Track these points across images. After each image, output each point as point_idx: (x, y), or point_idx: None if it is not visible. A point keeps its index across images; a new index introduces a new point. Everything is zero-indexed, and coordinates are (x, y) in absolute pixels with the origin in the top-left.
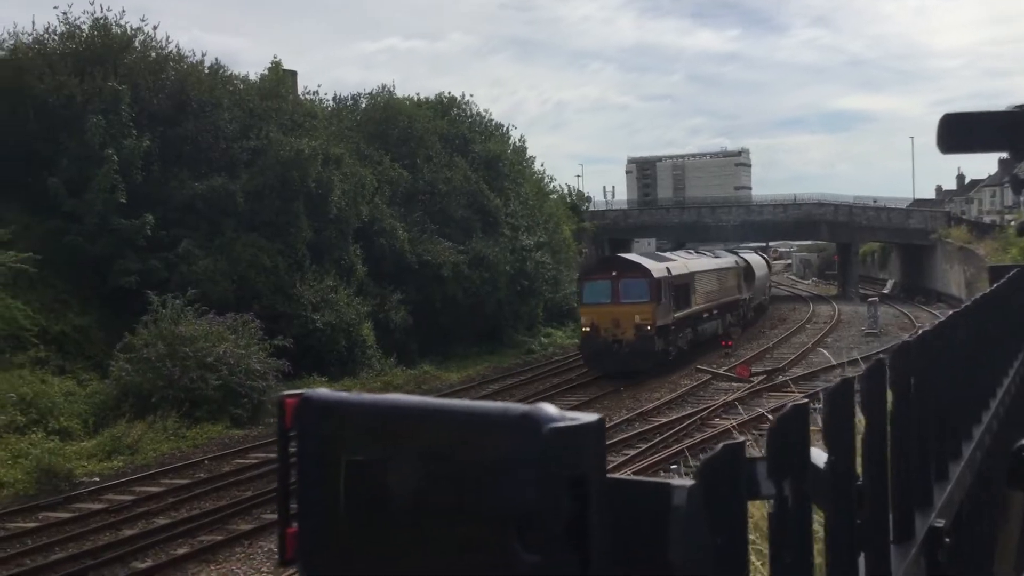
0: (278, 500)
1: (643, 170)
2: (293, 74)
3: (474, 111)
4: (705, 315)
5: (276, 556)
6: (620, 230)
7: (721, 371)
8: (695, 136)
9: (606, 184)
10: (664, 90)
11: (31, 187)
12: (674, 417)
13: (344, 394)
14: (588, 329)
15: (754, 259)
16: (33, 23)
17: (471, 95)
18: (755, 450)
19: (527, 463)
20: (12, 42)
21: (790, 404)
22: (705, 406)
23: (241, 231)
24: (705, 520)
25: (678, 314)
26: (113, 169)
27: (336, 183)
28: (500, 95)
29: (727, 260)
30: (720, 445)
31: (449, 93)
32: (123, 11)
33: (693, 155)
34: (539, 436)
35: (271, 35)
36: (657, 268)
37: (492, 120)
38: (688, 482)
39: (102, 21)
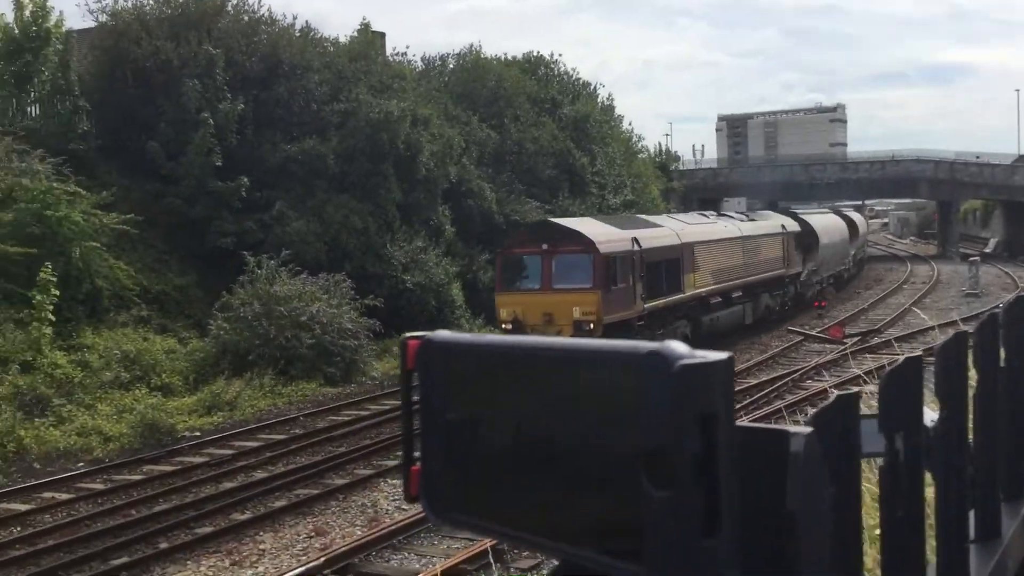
0: (403, 440)
1: (734, 128)
2: (382, 35)
3: (561, 70)
4: (716, 300)
5: (370, 510)
6: (709, 189)
7: (813, 332)
8: (788, 92)
9: (695, 143)
10: (756, 45)
11: (131, 150)
12: (764, 379)
13: (467, 335)
14: (509, 327)
15: (825, 221)
16: None
17: (559, 55)
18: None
19: (656, 400)
20: (112, 7)
21: (903, 356)
22: (797, 368)
23: (332, 193)
24: (821, 469)
25: (656, 302)
26: (209, 132)
27: (424, 144)
28: (586, 54)
29: (764, 225)
30: (834, 395)
31: (537, 52)
32: None
33: (786, 111)
34: (669, 373)
35: None
36: (609, 238)
37: (580, 79)
38: (806, 429)
39: None
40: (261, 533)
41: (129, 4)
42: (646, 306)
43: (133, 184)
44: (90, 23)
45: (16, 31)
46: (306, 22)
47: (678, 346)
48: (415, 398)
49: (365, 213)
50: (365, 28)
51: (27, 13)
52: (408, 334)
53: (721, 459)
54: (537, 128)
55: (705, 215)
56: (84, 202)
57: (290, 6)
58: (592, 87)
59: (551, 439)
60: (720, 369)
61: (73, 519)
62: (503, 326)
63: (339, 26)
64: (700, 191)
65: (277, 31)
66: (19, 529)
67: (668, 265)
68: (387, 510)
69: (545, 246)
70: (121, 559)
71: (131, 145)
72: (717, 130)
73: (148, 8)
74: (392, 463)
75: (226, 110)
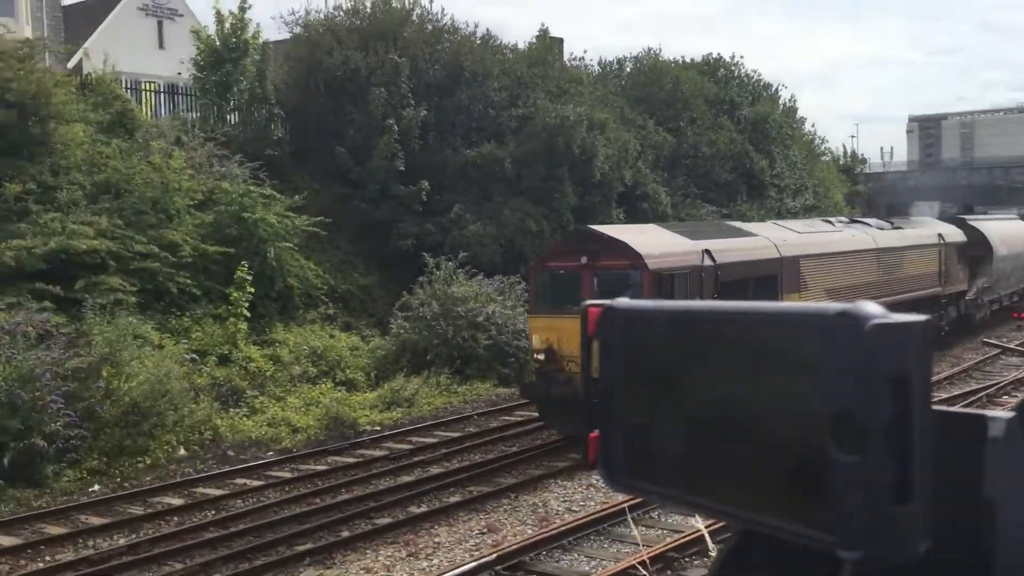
0: (581, 406)
1: (926, 129)
2: (559, 41)
3: (742, 72)
4: None
5: (540, 510)
6: (898, 193)
7: (1011, 345)
8: (988, 91)
9: (883, 145)
10: (952, 41)
11: (322, 155)
12: (957, 393)
13: (649, 302)
14: (541, 357)
15: (1006, 229)
16: (325, 2)
17: (741, 57)
18: None
19: (846, 362)
20: (305, 20)
21: None
22: (992, 382)
23: (508, 196)
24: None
25: None
26: (393, 138)
27: (600, 148)
28: (768, 54)
29: (912, 234)
30: None
31: (717, 54)
32: None
33: (984, 111)
34: (860, 333)
35: (539, 2)
36: (665, 250)
37: (760, 80)
38: (1007, 414)
39: None
40: (436, 527)
41: (322, 16)
42: None
43: (323, 188)
44: (285, 35)
45: (218, 43)
46: (487, 30)
47: (870, 306)
48: (595, 365)
49: (540, 216)
50: (543, 34)
51: (227, 26)
52: (589, 302)
53: (915, 423)
54: (714, 131)
55: (830, 222)
56: (278, 205)
57: (472, 14)
58: (773, 88)
59: (736, 405)
60: (915, 331)
61: (262, 505)
62: (534, 356)
63: (518, 33)
64: (887, 195)
65: (459, 39)
66: (213, 513)
67: (758, 284)
68: (557, 511)
69: (585, 259)
70: (305, 545)
71: (321, 150)
72: (908, 131)
73: (339, 20)
74: (563, 465)
75: (409, 117)
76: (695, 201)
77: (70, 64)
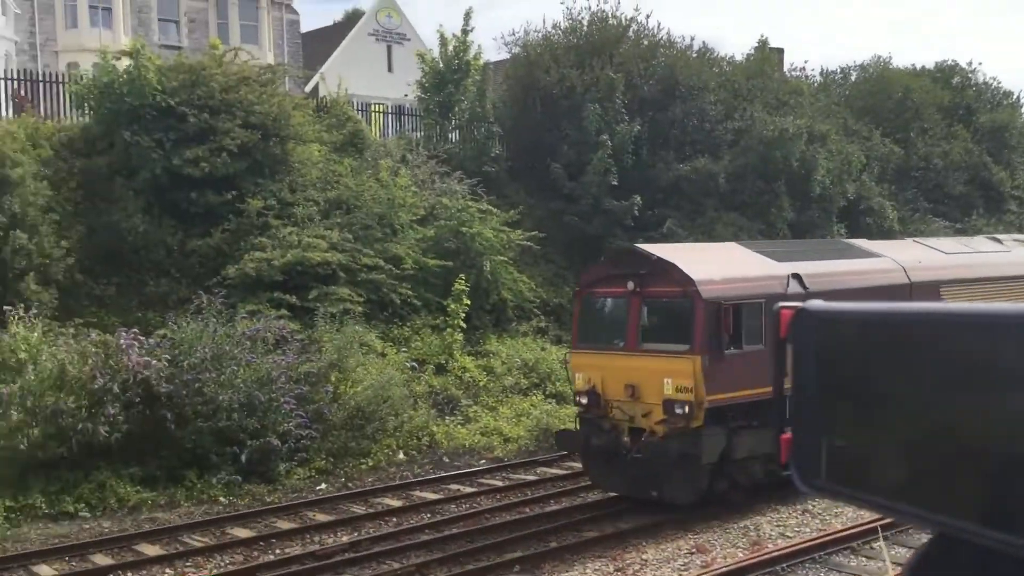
0: (774, 408)
1: None
2: (779, 51)
3: (979, 79)
4: None
5: (752, 533)
6: None
7: None
8: None
9: None
10: None
11: (537, 171)
12: None
13: (845, 304)
14: (584, 401)
15: None
16: (544, 21)
17: (979, 63)
18: None
19: None
20: (524, 40)
21: None
22: None
23: (722, 211)
24: None
25: None
26: (607, 154)
27: (820, 161)
28: (1010, 52)
29: None
30: None
31: (952, 60)
32: (619, 3)
33: None
34: None
35: (757, 13)
36: (730, 274)
37: (1000, 87)
38: None
39: (600, 14)
40: (644, 543)
41: (540, 36)
42: None
43: (537, 203)
44: (504, 55)
45: (441, 65)
46: (703, 43)
47: None
48: (787, 368)
49: (755, 231)
50: (762, 45)
51: (451, 49)
52: (781, 304)
53: None
54: (947, 141)
55: (997, 239)
56: (495, 219)
57: (687, 27)
58: (1015, 95)
59: (940, 409)
60: None
61: (475, 511)
62: (576, 399)
63: (736, 44)
64: None
65: (674, 53)
66: (429, 516)
67: None
68: (770, 535)
69: (632, 285)
70: (515, 553)
71: (536, 166)
72: None
73: (556, 39)
74: (777, 491)
75: (623, 131)
76: (924, 215)
77: (307, 88)
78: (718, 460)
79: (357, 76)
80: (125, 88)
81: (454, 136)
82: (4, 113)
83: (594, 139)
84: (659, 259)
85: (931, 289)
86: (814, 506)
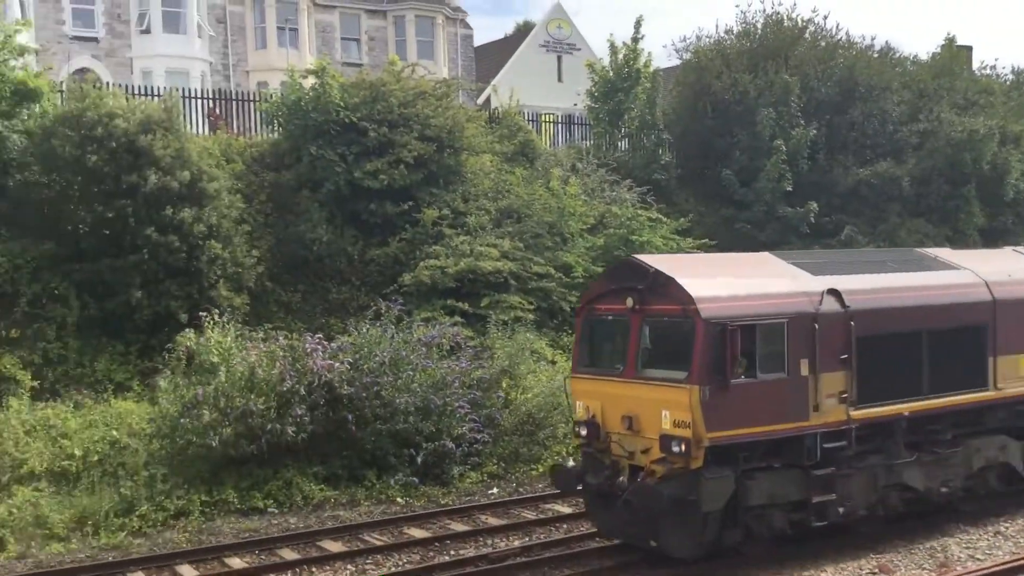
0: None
1: None
2: (968, 49)
3: None
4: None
5: (939, 554)
6: None
7: None
8: None
9: None
10: None
11: (707, 178)
12: None
13: None
14: (584, 432)
15: None
16: (716, 26)
17: None
18: None
19: None
20: (695, 46)
21: None
22: None
23: (906, 216)
24: None
25: (895, 406)
26: (781, 159)
27: (1014, 163)
28: None
29: None
30: None
31: None
32: (794, 4)
33: None
34: None
35: (943, 11)
36: (739, 291)
37: None
38: None
39: (775, 17)
40: (821, 560)
41: (712, 41)
42: (856, 414)
43: (707, 210)
44: (675, 62)
45: (611, 73)
46: (885, 42)
47: None
48: None
49: (941, 238)
50: (949, 43)
51: (620, 57)
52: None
53: None
54: None
55: None
56: (664, 228)
57: (867, 26)
58: None
59: None
60: None
61: None
62: (575, 429)
63: (921, 43)
64: None
65: (854, 54)
66: None
67: (942, 338)
68: (959, 557)
69: (630, 301)
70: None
71: (707, 173)
72: None
73: (729, 43)
74: (966, 508)
75: (798, 136)
76: None
77: (480, 100)
78: (725, 507)
79: (528, 87)
80: (311, 105)
81: (623, 144)
82: (201, 130)
83: (768, 144)
84: (657, 272)
85: (1016, 307)
86: (1007, 527)
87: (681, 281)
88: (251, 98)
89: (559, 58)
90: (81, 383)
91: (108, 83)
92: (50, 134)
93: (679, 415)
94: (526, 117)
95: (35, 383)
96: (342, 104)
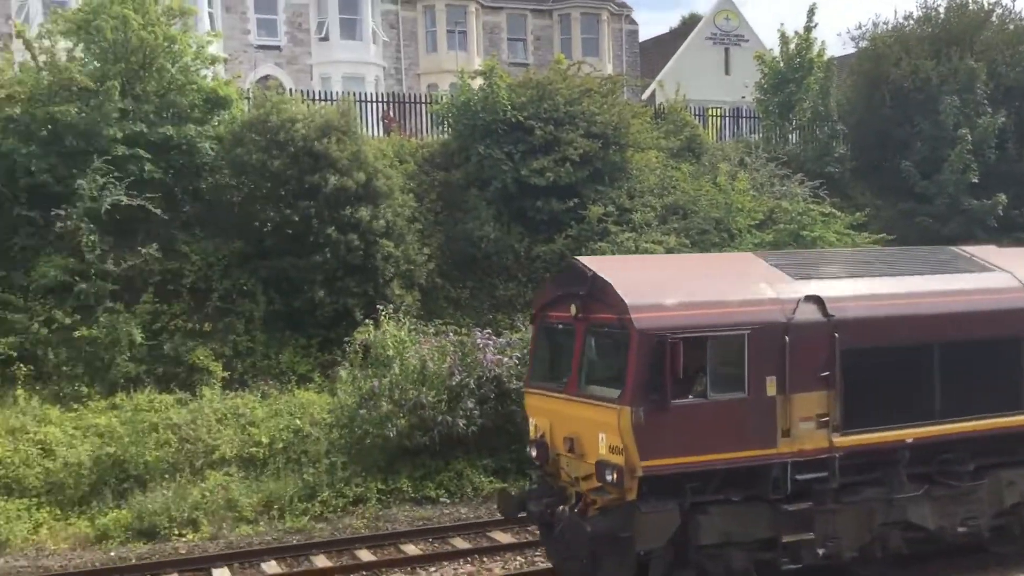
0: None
1: None
2: None
3: None
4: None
5: None
6: None
7: None
8: None
9: None
10: None
11: (884, 171)
12: None
13: None
14: (534, 453)
15: None
16: (895, 12)
17: None
18: None
19: None
20: (872, 33)
21: None
22: None
23: None
24: None
25: (895, 431)
26: (966, 149)
27: None
28: None
29: None
30: None
31: None
32: None
33: None
34: None
35: None
36: (684, 298)
37: None
38: None
39: (958, 1)
40: None
41: (890, 27)
42: (841, 440)
43: (885, 204)
44: (849, 50)
45: (781, 64)
46: None
47: None
48: None
49: None
50: None
51: (792, 47)
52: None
53: None
54: None
55: None
56: (838, 223)
57: None
58: None
59: None
60: None
61: None
62: (528, 451)
63: None
64: None
65: None
66: None
67: (971, 354)
68: None
69: (573, 308)
70: None
71: (884, 166)
72: None
73: (908, 29)
74: (1002, 551)
75: (985, 124)
76: None
77: (644, 95)
78: (675, 545)
79: (694, 81)
80: (479, 106)
81: (794, 137)
82: (376, 132)
83: (951, 133)
84: (595, 276)
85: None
86: None
87: (618, 287)
88: (422, 100)
89: (726, 50)
90: (267, 374)
91: (290, 89)
92: (238, 139)
93: (613, 440)
94: (692, 112)
95: (225, 374)
96: (509, 104)
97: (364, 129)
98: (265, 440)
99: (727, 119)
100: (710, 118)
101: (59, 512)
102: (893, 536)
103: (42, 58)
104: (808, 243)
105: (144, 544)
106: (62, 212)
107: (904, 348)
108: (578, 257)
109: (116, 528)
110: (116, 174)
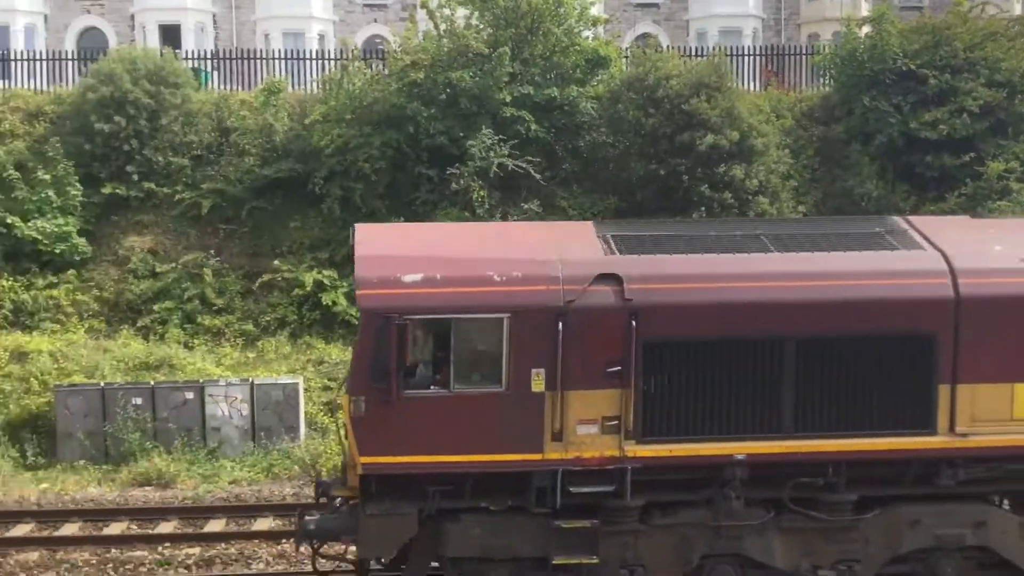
0: None
1: None
2: None
3: None
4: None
5: None
6: None
7: None
8: None
9: None
10: None
11: None
12: None
13: None
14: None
15: None
16: None
17: None
18: None
19: None
20: None
21: None
22: None
23: None
24: None
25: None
26: None
27: None
28: None
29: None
30: None
31: None
32: None
33: None
34: None
35: None
36: (424, 269)
37: None
38: None
39: None
40: None
41: None
42: (638, 450)
43: None
44: None
45: None
46: None
47: None
48: None
49: None
50: None
51: None
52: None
53: None
54: None
55: None
56: None
57: None
58: None
59: None
60: None
61: None
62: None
63: None
64: None
65: None
66: None
67: (853, 354)
68: None
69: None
70: None
71: None
72: None
73: None
74: None
75: None
76: None
77: None
78: (400, 556)
79: None
80: (866, 55)
81: None
82: (753, 87)
83: None
84: (352, 246)
85: (994, 307)
86: None
87: (361, 260)
88: (802, 51)
89: None
90: None
91: (667, 46)
92: (616, 97)
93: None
94: None
95: None
96: (900, 51)
97: (740, 84)
98: None
99: None
100: None
101: None
102: (724, 572)
103: (443, 26)
104: None
105: None
106: (455, 171)
107: (739, 342)
108: (359, 224)
109: None
110: (501, 136)
